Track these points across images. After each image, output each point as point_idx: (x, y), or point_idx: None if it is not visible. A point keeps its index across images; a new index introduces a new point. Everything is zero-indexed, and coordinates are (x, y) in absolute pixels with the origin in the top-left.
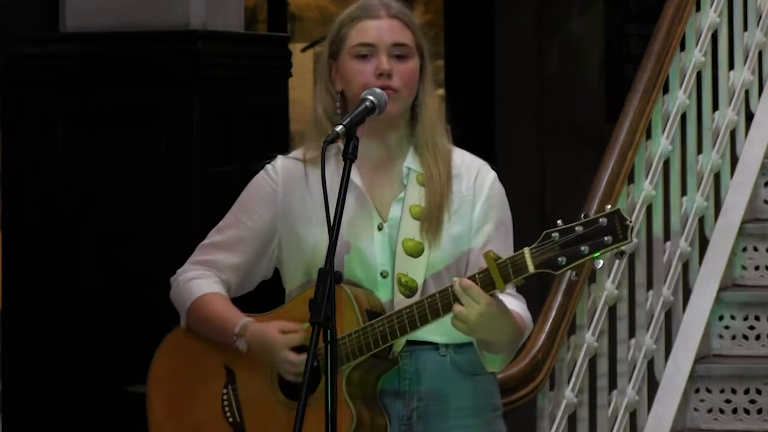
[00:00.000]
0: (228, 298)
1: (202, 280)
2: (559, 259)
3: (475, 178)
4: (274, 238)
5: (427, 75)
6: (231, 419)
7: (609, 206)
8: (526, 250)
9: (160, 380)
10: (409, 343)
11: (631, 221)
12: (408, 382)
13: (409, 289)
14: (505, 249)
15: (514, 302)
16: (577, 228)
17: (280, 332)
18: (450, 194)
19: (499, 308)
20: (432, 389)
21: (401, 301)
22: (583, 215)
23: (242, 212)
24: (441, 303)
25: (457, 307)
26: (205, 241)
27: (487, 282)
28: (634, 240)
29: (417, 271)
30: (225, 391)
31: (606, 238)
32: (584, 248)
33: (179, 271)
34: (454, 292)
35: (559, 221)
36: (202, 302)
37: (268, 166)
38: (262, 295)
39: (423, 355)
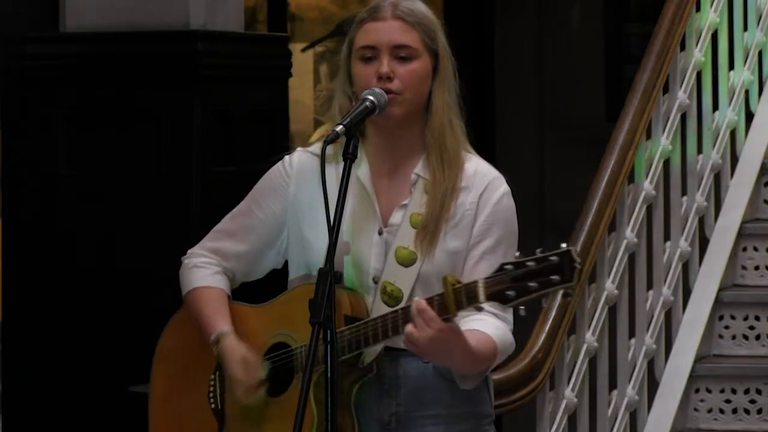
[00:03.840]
0: (222, 294)
1: (203, 270)
2: (508, 292)
3: (482, 192)
4: (283, 231)
5: (441, 76)
6: (213, 405)
7: (564, 244)
8: (480, 280)
9: (164, 357)
10: (391, 349)
11: (579, 264)
12: (387, 387)
13: (393, 299)
14: None
15: (493, 324)
16: (528, 263)
17: (243, 364)
18: (453, 206)
19: (453, 336)
20: (412, 395)
21: (381, 310)
22: (538, 251)
23: (254, 202)
24: (401, 320)
25: (408, 328)
26: (218, 226)
27: (442, 306)
28: (574, 281)
29: (405, 281)
30: (213, 377)
31: (554, 277)
32: (533, 284)
33: (190, 252)
34: (411, 311)
35: (516, 253)
36: (195, 295)
37: (286, 158)
38: (266, 282)
39: (405, 361)
